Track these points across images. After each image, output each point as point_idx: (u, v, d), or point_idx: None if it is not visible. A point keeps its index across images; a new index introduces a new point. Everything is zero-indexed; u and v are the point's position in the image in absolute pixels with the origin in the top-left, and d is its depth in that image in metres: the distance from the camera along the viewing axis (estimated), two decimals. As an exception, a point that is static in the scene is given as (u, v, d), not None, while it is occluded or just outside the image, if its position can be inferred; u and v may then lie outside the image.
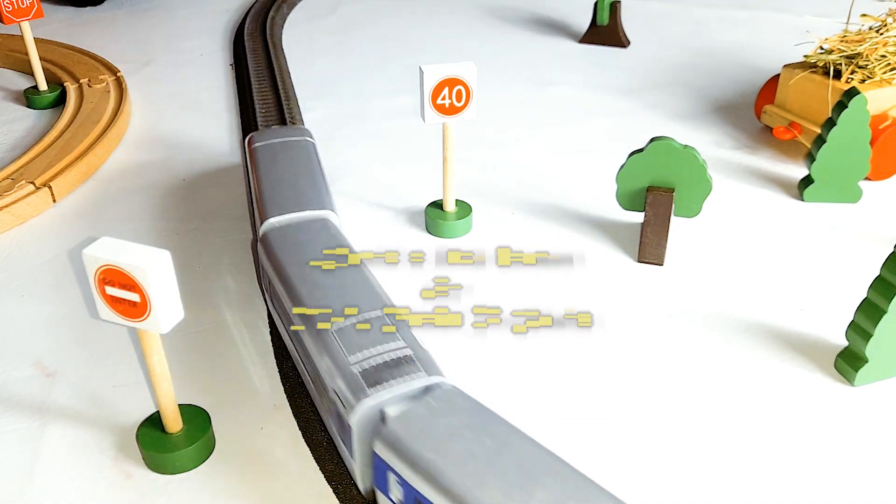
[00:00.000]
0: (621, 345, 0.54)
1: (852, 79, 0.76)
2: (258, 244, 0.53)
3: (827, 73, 0.78)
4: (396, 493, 0.38)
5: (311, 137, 0.67)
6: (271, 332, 0.56)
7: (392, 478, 0.37)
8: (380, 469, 0.38)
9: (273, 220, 0.54)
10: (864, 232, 0.68)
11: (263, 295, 0.57)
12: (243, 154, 0.71)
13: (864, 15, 0.86)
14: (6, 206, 0.69)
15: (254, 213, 0.59)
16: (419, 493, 0.36)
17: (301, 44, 1.21)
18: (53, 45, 1.12)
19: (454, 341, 0.55)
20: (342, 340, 0.43)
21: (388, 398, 0.39)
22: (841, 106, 0.68)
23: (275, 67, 1.05)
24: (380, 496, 0.40)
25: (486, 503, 0.34)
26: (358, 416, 0.39)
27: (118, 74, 1.00)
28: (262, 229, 0.54)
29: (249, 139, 0.68)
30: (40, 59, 0.97)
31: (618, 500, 0.35)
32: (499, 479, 0.35)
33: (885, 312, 0.48)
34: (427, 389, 0.40)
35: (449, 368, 0.52)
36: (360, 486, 0.42)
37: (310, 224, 0.54)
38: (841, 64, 0.77)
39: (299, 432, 0.47)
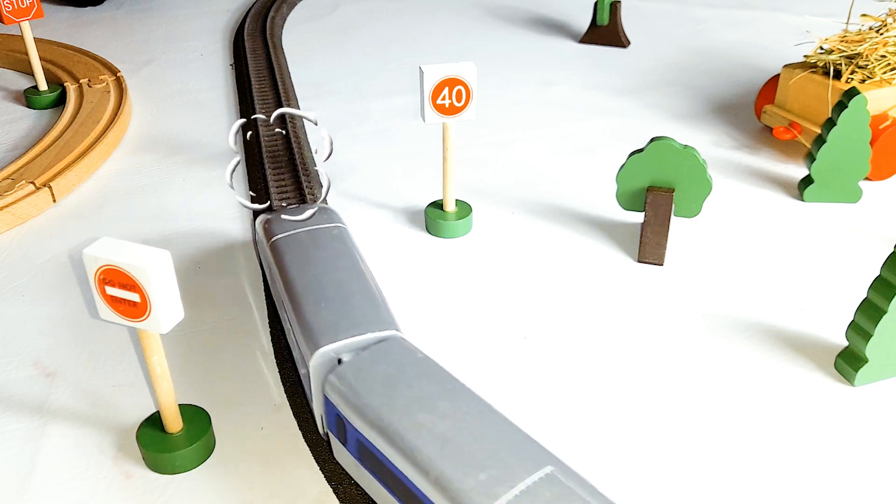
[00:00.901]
0: (621, 345, 0.54)
1: (852, 79, 0.76)
2: (325, 386, 0.41)
3: (827, 73, 0.78)
4: None
5: (341, 222, 0.55)
6: (271, 332, 0.56)
7: None
8: None
9: (327, 350, 0.43)
10: (864, 232, 0.68)
11: (327, 444, 0.46)
12: (256, 241, 0.58)
13: (864, 15, 0.86)
14: (6, 206, 0.69)
15: (287, 323, 0.49)
16: None
17: (301, 44, 1.21)
18: (53, 45, 1.12)
19: (455, 338, 0.55)
20: None
21: None
22: (841, 106, 0.68)
23: (275, 67, 1.05)
24: None
25: None
26: None
27: (118, 74, 1.00)
28: (320, 363, 0.42)
29: (265, 227, 0.54)
30: (40, 59, 0.97)
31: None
32: None
33: (885, 312, 0.48)
34: None
35: (449, 365, 0.52)
36: None
37: (385, 352, 0.42)
38: (841, 64, 0.77)
39: (299, 432, 0.47)
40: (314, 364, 0.42)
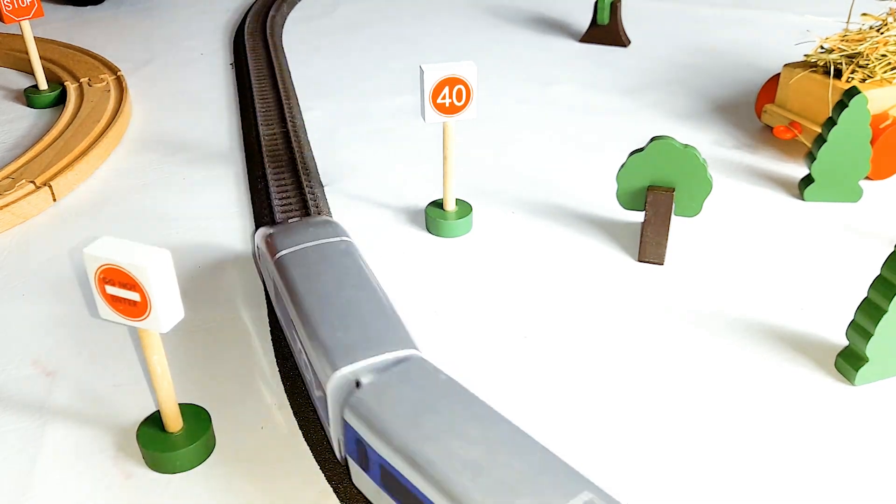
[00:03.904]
0: (621, 344, 0.54)
1: (853, 78, 0.76)
2: (345, 410, 0.40)
3: (827, 73, 0.78)
4: None
5: (347, 235, 0.54)
6: (272, 332, 0.56)
7: None
8: None
9: (345, 372, 0.41)
10: (865, 231, 0.68)
11: (346, 469, 0.44)
12: (257, 255, 0.58)
13: (864, 14, 0.86)
14: (6, 206, 0.69)
15: (297, 342, 0.47)
16: None
17: (301, 43, 1.21)
18: (54, 45, 1.12)
19: (455, 338, 0.55)
20: None
21: None
22: (841, 105, 0.68)
23: (275, 67, 1.05)
24: None
25: None
26: None
27: (118, 74, 1.00)
28: (338, 386, 0.41)
29: (268, 241, 0.53)
30: (40, 58, 0.97)
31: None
32: None
33: (885, 312, 0.48)
34: None
35: (450, 365, 0.52)
36: None
37: (407, 373, 0.40)
38: (841, 63, 0.77)
39: (299, 432, 0.47)
40: (332, 387, 0.41)
